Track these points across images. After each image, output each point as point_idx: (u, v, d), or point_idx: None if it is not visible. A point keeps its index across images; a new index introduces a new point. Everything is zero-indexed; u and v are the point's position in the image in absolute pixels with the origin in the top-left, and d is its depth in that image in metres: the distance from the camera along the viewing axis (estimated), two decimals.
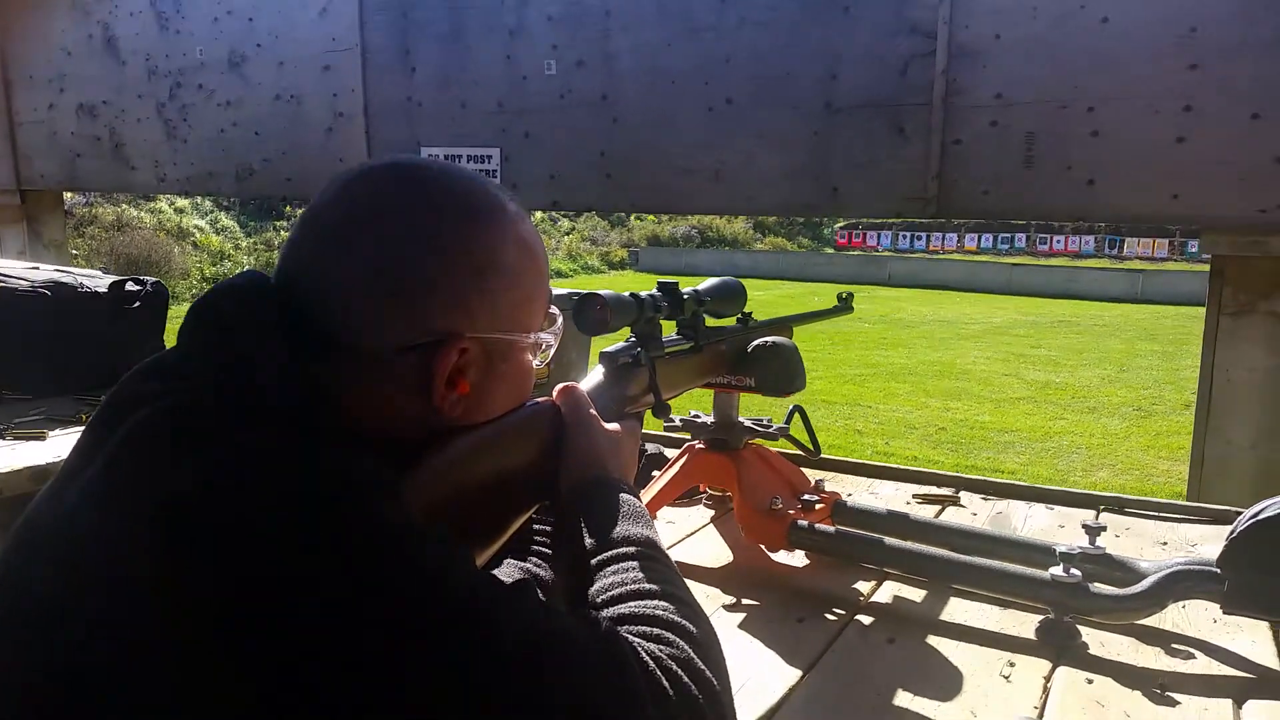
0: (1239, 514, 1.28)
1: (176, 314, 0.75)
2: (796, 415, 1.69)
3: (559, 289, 1.71)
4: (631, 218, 31.46)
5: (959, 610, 1.42)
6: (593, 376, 1.07)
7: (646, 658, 0.63)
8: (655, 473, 1.75)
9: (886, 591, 1.49)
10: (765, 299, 15.78)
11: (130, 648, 0.55)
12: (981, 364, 11.13)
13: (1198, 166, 3.13)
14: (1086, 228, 28.62)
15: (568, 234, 29.50)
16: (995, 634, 1.34)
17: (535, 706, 0.57)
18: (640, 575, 0.72)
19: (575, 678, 0.59)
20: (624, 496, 0.81)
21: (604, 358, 1.12)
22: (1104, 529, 1.42)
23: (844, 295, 1.85)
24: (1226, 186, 3.10)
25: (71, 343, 2.76)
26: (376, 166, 0.75)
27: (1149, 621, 1.33)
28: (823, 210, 3.89)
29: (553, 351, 0.83)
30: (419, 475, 0.72)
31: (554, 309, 0.83)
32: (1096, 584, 1.32)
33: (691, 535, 1.74)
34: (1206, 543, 1.66)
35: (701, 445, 1.66)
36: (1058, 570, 1.31)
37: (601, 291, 1.10)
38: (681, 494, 1.74)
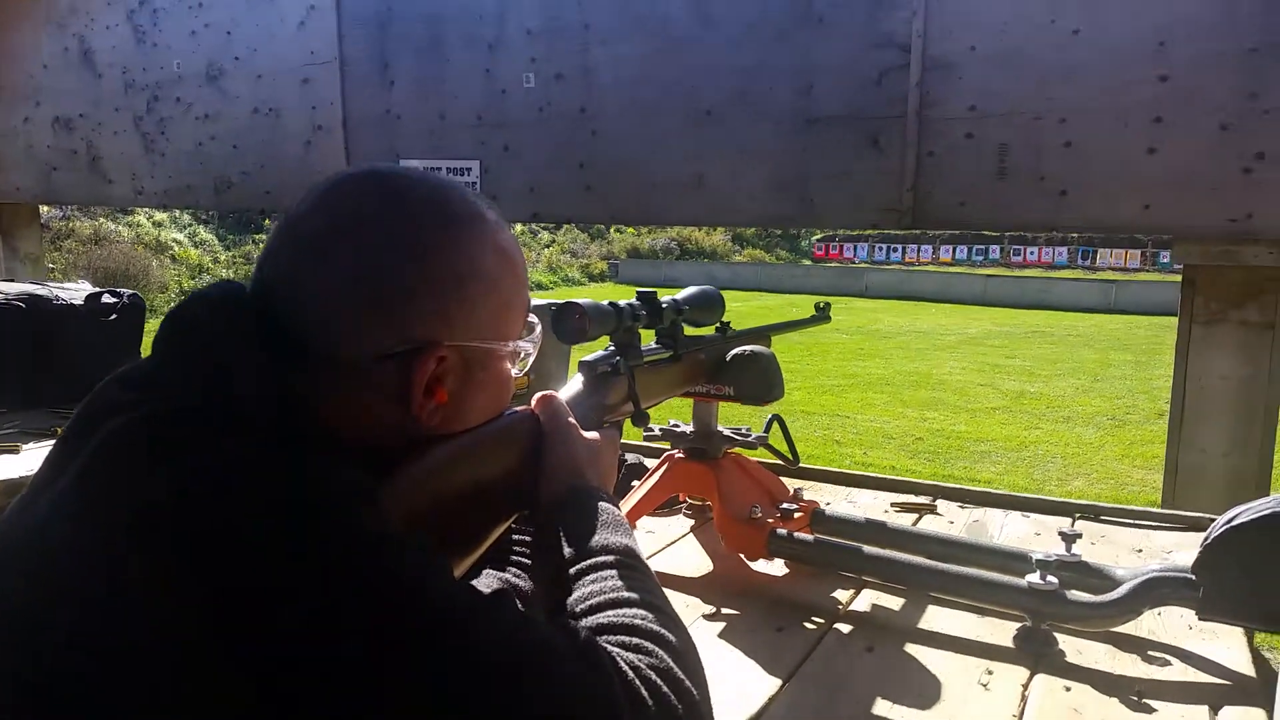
0: (1213, 520, 1.29)
1: (154, 327, 0.74)
2: (775, 424, 1.70)
3: (538, 300, 1.71)
4: (611, 230, 31.47)
5: (937, 618, 1.42)
6: (571, 385, 1.07)
7: (625, 667, 0.63)
8: (635, 482, 1.75)
9: (865, 600, 1.49)
10: (744, 310, 15.81)
11: (104, 659, 0.55)
12: (957, 374, 11.19)
13: (1169, 177, 3.16)
14: (1059, 239, 28.91)
15: (548, 246, 29.46)
16: (973, 642, 1.35)
17: (513, 716, 0.57)
18: (619, 584, 0.72)
19: (554, 688, 0.59)
20: (603, 505, 0.81)
21: (583, 366, 1.12)
22: (1079, 536, 1.43)
23: (821, 305, 1.86)
24: (1197, 197, 3.14)
25: (47, 356, 2.74)
26: (354, 175, 0.75)
27: (1125, 628, 1.34)
28: (800, 222, 3.91)
29: (531, 360, 0.83)
30: (397, 484, 0.71)
31: (532, 317, 0.83)
32: (1073, 591, 1.33)
33: (671, 545, 1.74)
34: (1181, 549, 1.68)
35: (681, 454, 1.66)
36: (1034, 578, 1.32)
37: (580, 300, 1.10)
38: (661, 503, 1.74)
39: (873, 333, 15.55)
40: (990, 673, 1.26)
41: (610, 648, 0.65)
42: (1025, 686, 1.23)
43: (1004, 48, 3.34)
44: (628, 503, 1.66)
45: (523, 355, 0.82)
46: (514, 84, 4.23)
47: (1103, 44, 3.20)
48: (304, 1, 4.64)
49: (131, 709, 0.54)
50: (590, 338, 1.13)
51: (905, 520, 1.85)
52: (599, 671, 0.61)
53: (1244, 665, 1.28)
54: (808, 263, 33.22)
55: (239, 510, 0.57)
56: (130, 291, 2.98)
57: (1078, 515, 1.88)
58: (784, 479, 1.79)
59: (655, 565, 1.58)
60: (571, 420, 0.88)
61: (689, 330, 1.43)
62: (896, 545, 1.56)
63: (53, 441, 0.69)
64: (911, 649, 1.33)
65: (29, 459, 2.24)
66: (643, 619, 0.69)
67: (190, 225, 19.77)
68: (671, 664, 0.66)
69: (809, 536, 1.55)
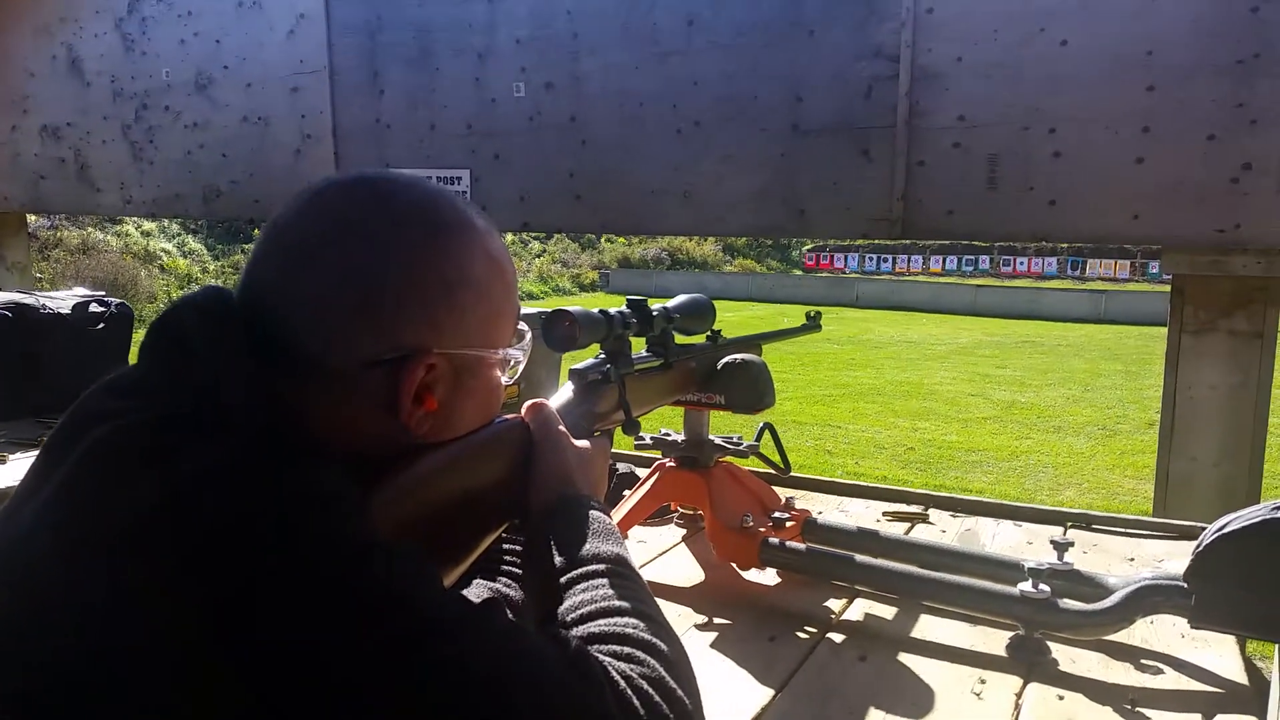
0: (1204, 529, 1.29)
1: (142, 336, 0.73)
2: (766, 433, 1.69)
3: (529, 309, 1.70)
4: (602, 240, 31.52)
5: (930, 627, 1.42)
6: (562, 393, 1.06)
7: (617, 677, 0.62)
8: (626, 491, 1.74)
9: (858, 609, 1.49)
10: (735, 320, 15.84)
11: (88, 670, 0.54)
12: (948, 384, 11.22)
13: (1157, 187, 3.18)
14: (1049, 249, 29.05)
15: (539, 256, 29.48)
16: (966, 651, 1.35)
17: None
18: (611, 593, 0.72)
19: (544, 698, 0.58)
20: (594, 514, 0.80)
21: (573, 374, 1.11)
22: (1071, 545, 1.43)
23: (812, 314, 1.86)
24: (1185, 207, 3.15)
25: (34, 365, 2.72)
26: (342, 181, 0.74)
27: (1118, 637, 1.34)
28: (790, 231, 3.92)
29: (521, 368, 0.83)
30: (386, 492, 0.70)
31: (522, 325, 0.82)
32: (1065, 599, 1.32)
33: (663, 554, 1.73)
34: (1173, 558, 1.68)
35: (672, 463, 1.65)
36: (1027, 586, 1.31)
37: (570, 308, 1.10)
38: (653, 512, 1.73)
39: (864, 343, 15.59)
40: (983, 682, 1.25)
41: (602, 657, 0.64)
42: (1018, 695, 1.22)
43: (992, 58, 3.36)
44: (619, 512, 1.65)
45: (513, 363, 0.81)
46: (504, 93, 4.23)
47: (1091, 54, 3.22)
48: (293, 10, 4.64)
49: (131, 714, 0.53)
50: (580, 345, 1.12)
51: (897, 529, 1.85)
52: (590, 681, 0.61)
53: (1236, 673, 1.27)
54: (799, 273, 33.33)
55: (226, 518, 0.56)
56: (118, 300, 2.97)
57: (1069, 524, 1.88)
58: (775, 488, 1.78)
59: (647, 575, 1.57)
60: (562, 428, 0.87)
61: (680, 339, 1.43)
62: (889, 554, 1.55)
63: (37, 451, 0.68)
64: (904, 658, 1.32)
65: (16, 469, 2.22)
66: (634, 628, 0.69)
67: (179, 235, 19.72)
68: (664, 673, 0.65)
69: (801, 545, 1.54)
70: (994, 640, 1.36)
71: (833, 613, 1.48)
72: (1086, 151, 3.27)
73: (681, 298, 1.43)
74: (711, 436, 1.65)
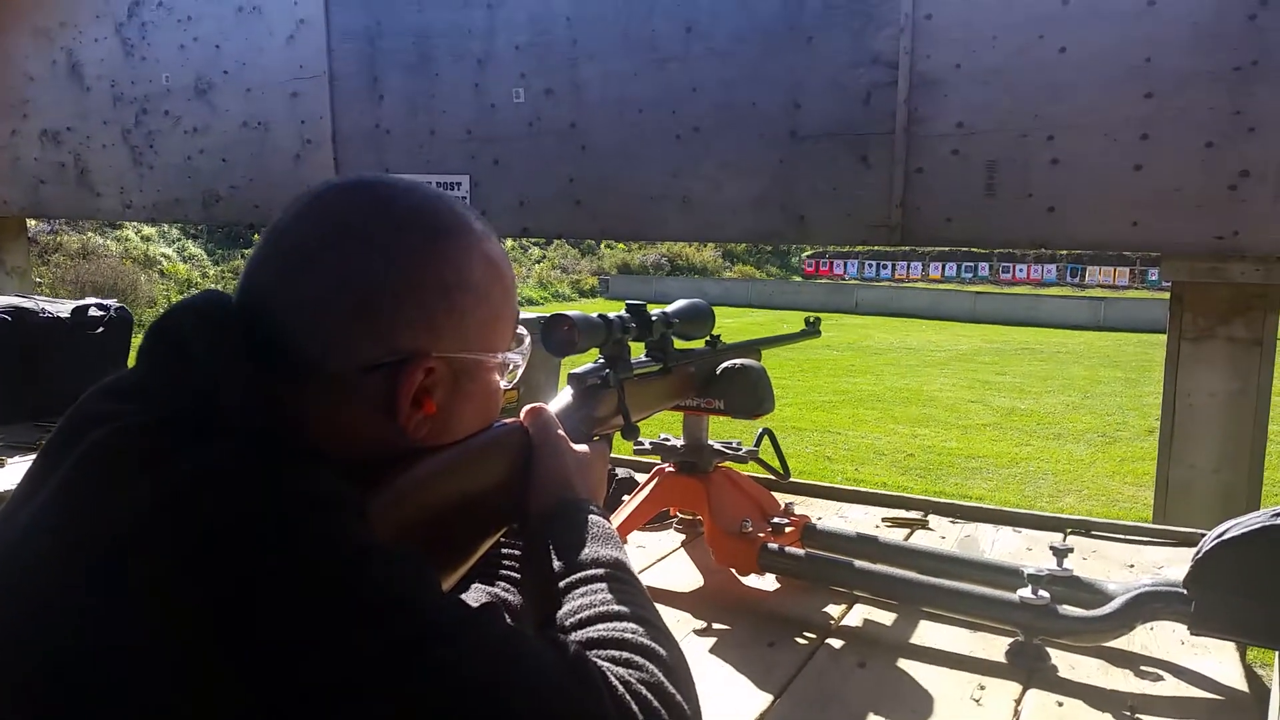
0: (1204, 535, 1.29)
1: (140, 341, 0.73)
2: (766, 438, 1.69)
3: (528, 313, 1.70)
4: (602, 245, 31.55)
5: (929, 633, 1.42)
6: (561, 398, 1.06)
7: (615, 682, 0.62)
8: (625, 496, 1.74)
9: (857, 615, 1.49)
10: (735, 326, 15.82)
11: (88, 672, 0.54)
12: (948, 391, 11.22)
13: (1155, 194, 3.19)
14: (1048, 256, 29.09)
15: (538, 262, 29.48)
16: (965, 657, 1.34)
17: None
18: (609, 597, 0.72)
19: (542, 702, 0.58)
20: (593, 518, 0.80)
21: (572, 379, 1.11)
22: (1071, 551, 1.43)
23: (811, 319, 1.86)
24: (1184, 214, 3.16)
25: (32, 369, 2.72)
26: (341, 185, 0.74)
27: (1117, 643, 1.34)
28: (789, 237, 3.92)
29: (520, 372, 0.83)
30: (384, 496, 0.70)
31: (521, 329, 0.82)
32: (1065, 606, 1.32)
33: (662, 560, 1.73)
34: (1172, 565, 1.67)
35: (671, 468, 1.65)
36: (1026, 592, 1.31)
37: (569, 312, 1.10)
38: (652, 518, 1.73)
39: (863, 349, 15.59)
40: (982, 688, 1.25)
41: (600, 662, 0.64)
42: (1018, 702, 1.22)
43: (991, 65, 3.37)
44: (618, 517, 1.65)
45: (511, 367, 0.81)
46: (504, 99, 4.24)
47: (1090, 62, 3.23)
48: (293, 16, 4.64)
49: (131, 715, 0.53)
50: (579, 350, 1.12)
51: (897, 535, 1.84)
52: (588, 686, 0.61)
53: (1236, 680, 1.27)
54: (798, 279, 33.35)
55: (224, 520, 0.56)
56: (117, 304, 2.97)
57: (1069, 530, 1.88)
58: (775, 493, 1.78)
59: (646, 580, 1.56)
60: (561, 433, 0.87)
61: (679, 343, 1.43)
62: (888, 560, 1.55)
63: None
64: (904, 664, 1.32)
65: (14, 472, 2.22)
66: (633, 633, 0.68)
67: (179, 240, 19.73)
68: (662, 678, 0.65)
69: (800, 551, 1.54)
70: (993, 646, 1.36)
71: (832, 618, 1.47)
72: (1085, 158, 3.27)
73: (680, 303, 1.43)
74: (711, 442, 1.64)
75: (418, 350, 0.70)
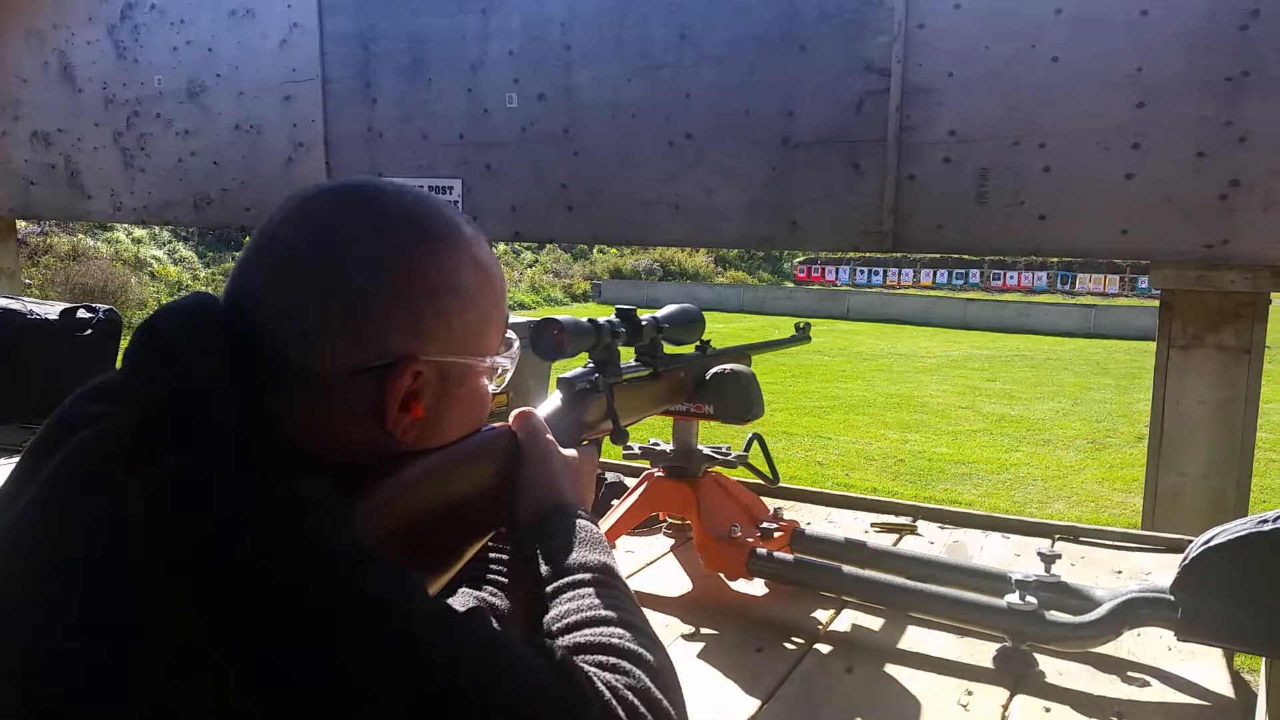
0: (1191, 542, 1.30)
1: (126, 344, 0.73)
2: (755, 443, 1.69)
3: (519, 318, 1.70)
4: (594, 250, 31.55)
5: (917, 639, 1.42)
6: (550, 402, 1.06)
7: (602, 687, 0.62)
8: (614, 501, 1.74)
9: (845, 620, 1.49)
10: (726, 331, 15.85)
11: (85, 674, 0.54)
12: (939, 397, 11.24)
13: (1146, 202, 3.20)
14: (1039, 263, 29.17)
15: (530, 266, 29.45)
16: (953, 662, 1.35)
17: None
18: (597, 602, 0.71)
19: (528, 708, 0.58)
20: (580, 523, 0.80)
21: (561, 383, 1.11)
22: (1059, 557, 1.43)
23: (801, 325, 1.86)
24: (1174, 222, 3.17)
25: (20, 370, 2.71)
26: (330, 188, 0.74)
27: (1105, 649, 1.34)
28: (781, 243, 3.93)
29: (509, 376, 0.82)
30: (371, 500, 0.70)
31: (510, 333, 0.82)
32: (1052, 612, 1.33)
33: (651, 564, 1.73)
34: (1160, 571, 1.68)
35: (660, 473, 1.65)
36: (1014, 598, 1.31)
37: (559, 316, 1.10)
38: (641, 522, 1.73)
39: (854, 355, 15.61)
40: (970, 693, 1.25)
41: (587, 667, 0.64)
42: (1005, 707, 1.22)
43: (983, 73, 3.38)
44: (607, 521, 1.65)
45: (500, 371, 0.81)
46: (497, 104, 4.24)
47: (1081, 70, 3.24)
48: (286, 19, 4.64)
49: (128, 714, 0.53)
50: (568, 354, 1.12)
51: (885, 540, 1.85)
52: (575, 691, 0.61)
53: (1223, 686, 1.28)
54: (790, 285, 33.37)
55: (206, 524, 0.56)
56: (106, 307, 2.96)
57: (1057, 536, 1.89)
58: (764, 498, 1.78)
59: (634, 585, 1.57)
60: (549, 437, 0.87)
61: (669, 348, 1.43)
62: (876, 565, 1.55)
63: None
64: (891, 669, 1.32)
65: (2, 474, 2.21)
66: (620, 638, 0.68)
67: (170, 242, 19.66)
68: (649, 683, 0.65)
69: (789, 556, 1.54)
70: (981, 652, 1.36)
71: (820, 624, 1.47)
72: (1076, 167, 3.29)
73: (671, 308, 1.43)
74: (700, 446, 1.65)
75: (406, 354, 0.70)
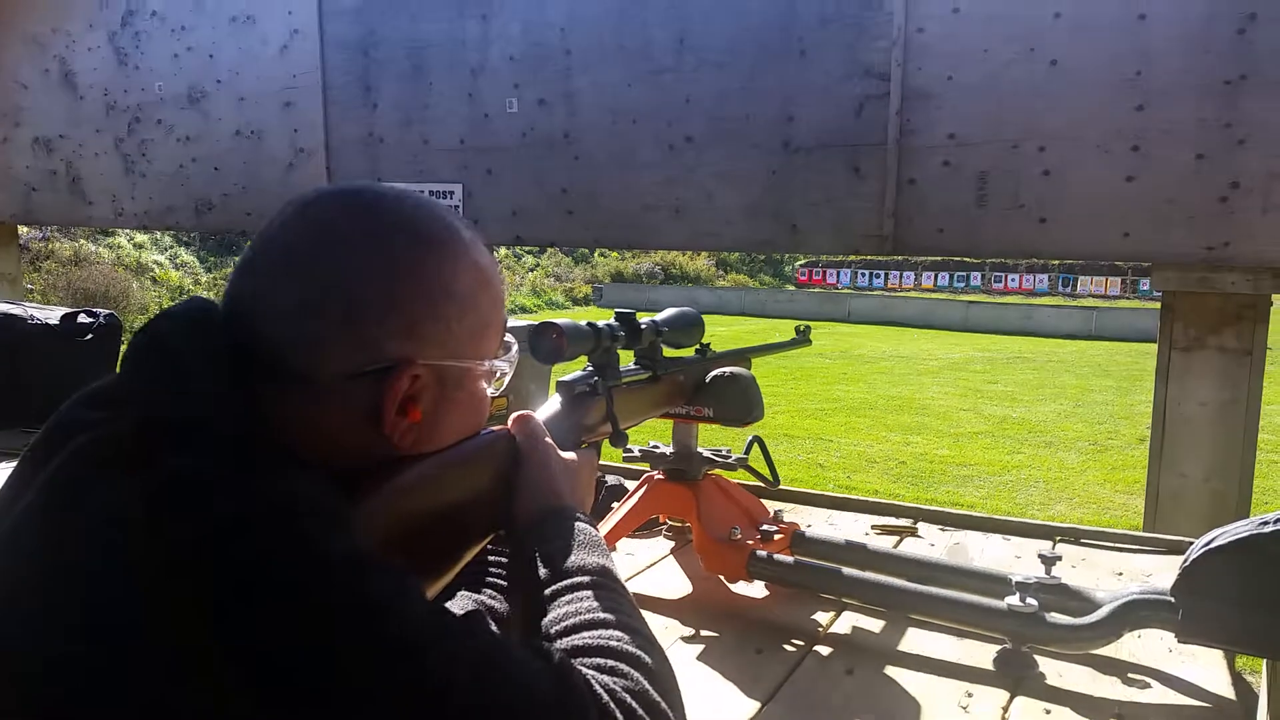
0: (1192, 544, 1.30)
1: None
2: (755, 446, 1.69)
3: (519, 322, 1.71)
4: (595, 254, 31.56)
5: (917, 640, 1.42)
6: (549, 405, 1.06)
7: (601, 691, 0.62)
8: (615, 504, 1.74)
9: (845, 622, 1.49)
10: (728, 335, 15.85)
11: (72, 678, 0.54)
12: (940, 399, 11.23)
13: (1147, 205, 3.20)
14: (1040, 265, 29.17)
15: (532, 270, 29.47)
16: (953, 664, 1.35)
17: None
18: (595, 605, 0.72)
19: (525, 712, 0.58)
20: (579, 525, 0.80)
21: (560, 386, 1.11)
22: (1059, 559, 1.43)
23: (802, 328, 1.86)
24: (1175, 225, 3.17)
25: (20, 375, 2.71)
26: (329, 192, 0.74)
27: (1105, 651, 1.34)
28: (782, 247, 3.93)
29: (508, 380, 0.83)
30: (369, 504, 0.70)
31: (509, 337, 0.82)
32: (1053, 613, 1.32)
33: (651, 567, 1.73)
34: (1161, 573, 1.68)
35: (660, 476, 1.65)
36: (1014, 600, 1.31)
37: (558, 320, 1.10)
38: (641, 525, 1.73)
39: (856, 357, 15.60)
40: (970, 695, 1.25)
41: (586, 670, 0.64)
42: (1005, 709, 1.22)
43: (983, 77, 3.38)
44: (607, 524, 1.65)
45: (499, 374, 0.81)
46: (497, 109, 4.25)
47: (1080, 74, 3.25)
48: (287, 25, 4.65)
49: (130, 714, 0.53)
50: (567, 357, 1.12)
51: (886, 543, 1.85)
52: (573, 695, 0.61)
53: (1224, 688, 1.27)
54: (791, 288, 33.36)
55: (199, 532, 0.56)
56: (107, 312, 2.96)
57: (1058, 538, 1.89)
58: (764, 501, 1.78)
59: (635, 587, 1.57)
60: (548, 440, 0.87)
61: (669, 352, 1.43)
62: (877, 567, 1.55)
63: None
64: (891, 671, 1.32)
65: (2, 478, 2.21)
66: (619, 641, 0.68)
67: (171, 247, 19.68)
68: (648, 686, 0.65)
69: (789, 558, 1.54)
70: (981, 654, 1.36)
71: (820, 626, 1.47)
72: (1076, 170, 3.29)
73: (670, 311, 1.43)
74: (700, 449, 1.65)
75: (404, 358, 0.70)
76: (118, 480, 0.59)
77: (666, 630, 1.44)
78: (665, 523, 1.90)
